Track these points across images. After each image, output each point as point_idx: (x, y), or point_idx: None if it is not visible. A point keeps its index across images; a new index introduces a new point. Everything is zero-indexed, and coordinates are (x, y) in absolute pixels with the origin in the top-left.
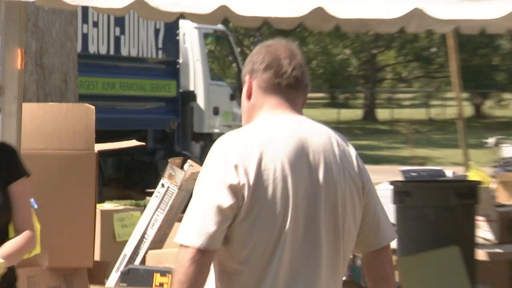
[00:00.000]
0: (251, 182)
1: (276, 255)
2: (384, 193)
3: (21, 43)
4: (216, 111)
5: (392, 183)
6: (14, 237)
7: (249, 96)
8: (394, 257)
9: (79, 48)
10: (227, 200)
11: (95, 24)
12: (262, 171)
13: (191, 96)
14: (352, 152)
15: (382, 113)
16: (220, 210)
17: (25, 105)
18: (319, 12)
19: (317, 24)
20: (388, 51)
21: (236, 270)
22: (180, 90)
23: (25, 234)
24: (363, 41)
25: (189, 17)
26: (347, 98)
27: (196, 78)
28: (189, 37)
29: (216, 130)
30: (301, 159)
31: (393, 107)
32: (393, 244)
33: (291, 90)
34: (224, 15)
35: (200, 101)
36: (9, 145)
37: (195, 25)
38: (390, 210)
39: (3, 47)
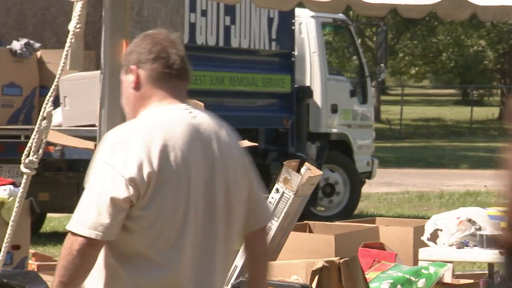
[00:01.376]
0: (155, 172)
1: (181, 237)
2: None
3: (126, 34)
4: (334, 109)
5: None
6: None
7: (136, 86)
8: None
9: (186, 39)
10: (123, 193)
11: (204, 13)
12: (165, 161)
13: (307, 92)
14: (235, 136)
15: None
16: (116, 203)
17: None
18: None
19: (450, 12)
20: None
21: (141, 254)
22: (295, 86)
23: None
24: (500, 31)
25: (308, 5)
26: (481, 95)
27: (312, 72)
28: (306, 27)
29: (334, 130)
30: (196, 146)
31: None
32: None
33: (179, 80)
34: (346, 2)
35: (317, 97)
36: None
37: (312, 13)
38: None
39: (107, 38)
